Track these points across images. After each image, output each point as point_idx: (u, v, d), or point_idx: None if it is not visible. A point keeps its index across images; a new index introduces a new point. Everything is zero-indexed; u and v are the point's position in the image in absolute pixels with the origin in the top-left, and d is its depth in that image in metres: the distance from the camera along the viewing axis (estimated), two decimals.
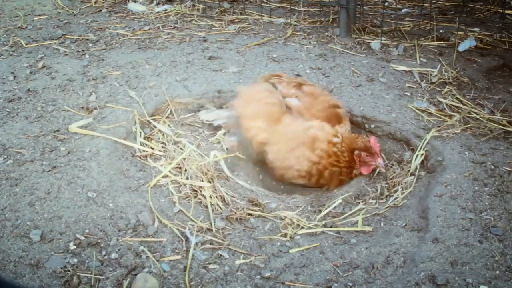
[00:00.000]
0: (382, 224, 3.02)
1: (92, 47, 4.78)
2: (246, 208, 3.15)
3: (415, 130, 3.62)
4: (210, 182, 3.32)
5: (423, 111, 3.78)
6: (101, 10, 5.86)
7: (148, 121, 3.73)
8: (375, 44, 4.83)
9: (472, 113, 3.75)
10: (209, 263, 2.68)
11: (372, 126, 3.76)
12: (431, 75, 4.26)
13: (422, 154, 3.44)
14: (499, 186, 3.03)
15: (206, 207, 3.11)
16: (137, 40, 4.94)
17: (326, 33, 5.12)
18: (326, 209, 3.28)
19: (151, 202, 3.00)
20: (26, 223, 2.75)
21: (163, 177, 3.27)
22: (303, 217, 3.18)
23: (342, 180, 3.54)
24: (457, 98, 3.94)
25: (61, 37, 5.01)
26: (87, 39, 4.95)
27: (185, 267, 2.63)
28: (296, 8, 5.86)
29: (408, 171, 3.44)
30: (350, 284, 2.54)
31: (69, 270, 2.52)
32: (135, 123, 3.64)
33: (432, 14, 5.43)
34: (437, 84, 4.14)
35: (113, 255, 2.64)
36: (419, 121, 3.69)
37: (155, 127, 3.72)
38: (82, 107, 3.75)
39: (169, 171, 3.31)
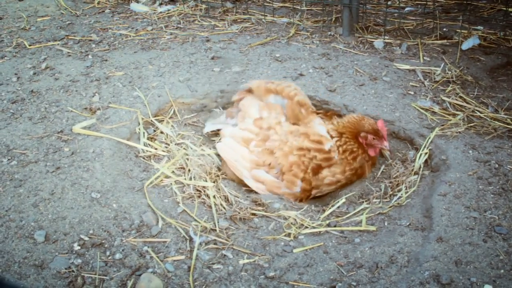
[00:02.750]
0: (386, 224, 3.02)
1: (95, 47, 4.78)
2: (250, 208, 3.15)
3: (418, 129, 3.61)
4: (214, 182, 3.33)
5: (426, 110, 3.77)
6: (104, 11, 5.87)
7: (151, 121, 3.73)
8: (378, 43, 4.83)
9: (476, 111, 3.74)
10: (213, 263, 2.68)
11: None
12: (434, 73, 4.25)
13: (426, 153, 3.44)
14: (504, 185, 3.02)
15: (210, 207, 3.11)
16: (140, 40, 4.95)
17: (329, 32, 5.12)
18: (329, 208, 3.28)
19: (149, 201, 3.01)
20: (30, 224, 2.76)
21: (166, 177, 3.27)
22: (307, 216, 3.18)
23: (370, 162, 3.60)
24: (460, 97, 3.93)
25: (64, 38, 5.02)
26: (90, 40, 4.96)
27: (189, 267, 2.63)
28: (299, 8, 5.85)
29: (412, 170, 3.43)
30: (354, 283, 2.53)
31: (73, 271, 2.53)
32: (139, 123, 3.65)
33: (435, 12, 5.42)
34: (441, 83, 4.13)
35: (117, 256, 2.64)
36: (423, 120, 3.69)
37: (158, 128, 3.73)
38: (86, 108, 3.75)
39: (172, 172, 3.32)
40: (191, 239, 2.81)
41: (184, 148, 3.57)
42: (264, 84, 3.68)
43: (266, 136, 3.50)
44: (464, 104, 3.83)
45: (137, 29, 5.25)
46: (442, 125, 3.59)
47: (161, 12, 5.75)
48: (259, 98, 3.70)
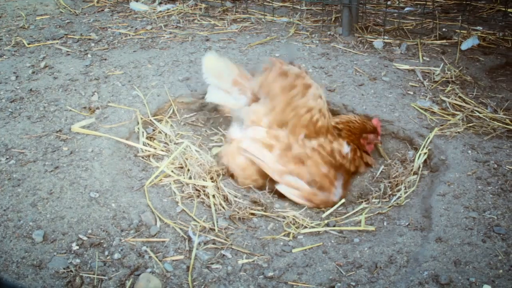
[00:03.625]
0: (385, 224, 3.01)
1: (94, 46, 4.78)
2: (249, 207, 3.15)
3: (418, 129, 3.61)
4: (213, 182, 3.32)
5: (426, 110, 3.77)
6: (103, 10, 5.87)
7: (150, 120, 3.73)
8: (378, 43, 4.82)
9: (475, 112, 3.74)
10: (212, 263, 2.67)
11: None
12: (434, 74, 4.25)
13: (425, 153, 3.44)
14: (502, 185, 3.02)
15: (209, 206, 3.11)
16: (140, 39, 4.94)
17: (328, 32, 5.12)
18: (329, 208, 3.28)
19: (149, 201, 3.00)
20: (28, 223, 2.75)
21: (165, 176, 3.27)
22: (306, 216, 3.18)
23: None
24: (460, 97, 3.93)
25: (63, 36, 5.01)
26: (90, 39, 4.96)
27: (188, 267, 2.63)
28: (299, 7, 5.85)
29: (411, 170, 3.43)
30: (353, 283, 2.53)
31: (71, 271, 2.52)
32: (138, 123, 3.64)
33: (434, 12, 5.42)
34: (440, 83, 4.13)
35: (116, 256, 2.64)
36: (422, 120, 3.68)
37: (157, 127, 3.72)
38: (85, 107, 3.75)
39: (172, 171, 3.31)
40: (190, 239, 2.81)
41: (184, 148, 3.56)
42: (281, 112, 3.36)
43: (287, 145, 3.33)
44: (463, 104, 3.83)
45: (136, 28, 5.24)
46: (441, 125, 3.59)
47: (160, 11, 5.75)
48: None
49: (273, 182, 3.39)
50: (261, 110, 3.41)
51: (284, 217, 3.13)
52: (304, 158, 3.32)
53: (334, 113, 3.83)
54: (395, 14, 5.55)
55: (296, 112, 3.30)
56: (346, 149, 3.49)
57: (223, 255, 2.74)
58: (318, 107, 3.34)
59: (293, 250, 2.80)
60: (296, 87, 3.28)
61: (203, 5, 5.82)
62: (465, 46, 4.70)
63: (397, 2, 5.94)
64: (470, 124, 3.59)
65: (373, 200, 3.33)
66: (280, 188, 3.34)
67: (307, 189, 3.33)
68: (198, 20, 5.48)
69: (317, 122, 3.34)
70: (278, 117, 3.34)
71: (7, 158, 3.21)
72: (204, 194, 3.20)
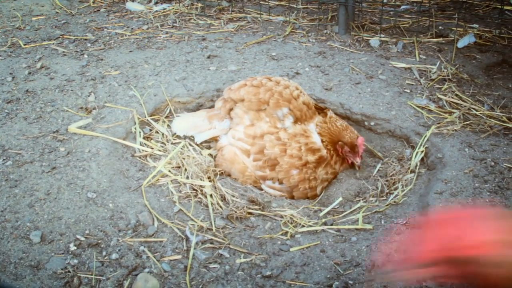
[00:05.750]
0: (382, 222, 3.02)
1: (90, 47, 4.77)
2: (246, 207, 3.15)
3: (414, 127, 3.61)
4: (211, 181, 3.32)
5: (422, 108, 3.78)
6: (99, 10, 5.85)
7: (147, 120, 3.72)
8: (374, 41, 4.83)
9: (471, 109, 3.74)
10: (210, 263, 2.67)
11: (372, 123, 3.76)
12: (430, 72, 4.26)
13: (422, 151, 3.44)
14: (500, 182, 3.03)
15: (207, 206, 3.11)
16: (136, 39, 4.93)
17: (325, 31, 5.12)
18: (326, 207, 3.28)
19: (146, 201, 3.00)
20: (26, 224, 2.75)
21: (163, 176, 3.27)
22: (303, 215, 3.18)
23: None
24: (456, 95, 3.94)
25: (59, 37, 5.00)
26: (86, 39, 4.94)
27: (186, 266, 2.63)
28: (295, 6, 5.85)
29: (408, 168, 3.43)
30: (351, 282, 2.54)
31: (69, 271, 2.52)
32: (135, 123, 3.64)
33: (431, 10, 5.43)
34: (437, 81, 4.14)
35: (114, 256, 2.64)
36: (419, 118, 3.69)
37: (154, 127, 3.72)
38: (81, 107, 3.74)
39: (169, 171, 3.31)
40: (187, 239, 2.81)
41: (181, 148, 3.56)
42: (254, 96, 3.49)
43: (261, 146, 3.43)
44: (460, 102, 3.84)
45: (132, 28, 5.23)
46: (438, 123, 3.60)
47: (156, 11, 5.73)
48: (252, 110, 3.54)
49: None
50: (239, 111, 3.56)
51: (281, 216, 3.13)
52: (275, 162, 3.41)
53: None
54: (392, 12, 5.56)
55: (272, 92, 3.47)
56: (319, 142, 3.55)
57: (221, 254, 2.74)
58: (294, 84, 3.60)
59: (291, 249, 2.80)
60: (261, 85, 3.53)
61: (199, 5, 5.82)
62: (461, 43, 4.70)
63: (393, 0, 5.95)
64: (467, 122, 3.60)
65: (371, 199, 3.33)
66: (264, 188, 3.48)
67: (287, 189, 3.47)
68: (194, 20, 5.48)
69: (298, 98, 3.52)
70: (254, 104, 3.49)
71: (4, 159, 3.21)
72: (202, 194, 3.20)
